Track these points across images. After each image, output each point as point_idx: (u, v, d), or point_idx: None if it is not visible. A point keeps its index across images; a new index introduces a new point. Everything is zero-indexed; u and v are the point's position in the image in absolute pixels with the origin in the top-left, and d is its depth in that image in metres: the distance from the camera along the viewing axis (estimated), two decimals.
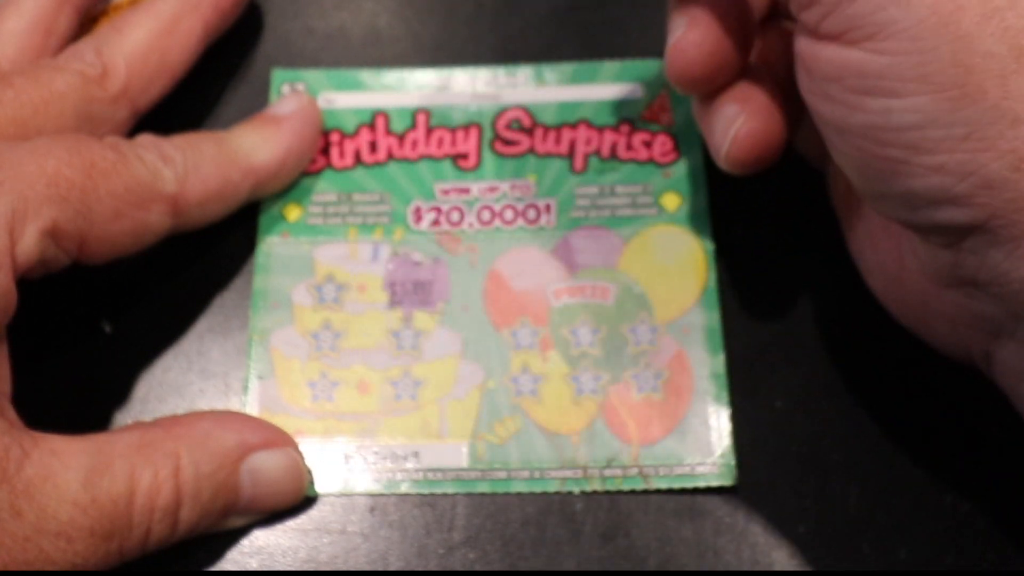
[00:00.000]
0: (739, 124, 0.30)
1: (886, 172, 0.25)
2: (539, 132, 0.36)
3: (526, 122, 0.36)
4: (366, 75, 0.38)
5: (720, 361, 0.33)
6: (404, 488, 0.31)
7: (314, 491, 0.31)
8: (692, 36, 0.30)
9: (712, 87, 0.31)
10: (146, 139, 0.32)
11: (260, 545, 0.30)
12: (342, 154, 0.36)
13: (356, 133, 0.36)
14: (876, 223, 0.29)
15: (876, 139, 0.25)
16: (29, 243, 0.28)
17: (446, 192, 0.35)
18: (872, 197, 0.26)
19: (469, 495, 0.31)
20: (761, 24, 0.32)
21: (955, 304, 0.27)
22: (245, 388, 0.33)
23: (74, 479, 0.26)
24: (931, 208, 0.24)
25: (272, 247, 0.35)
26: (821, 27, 0.25)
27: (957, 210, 0.24)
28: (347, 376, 0.33)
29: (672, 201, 0.35)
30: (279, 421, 0.32)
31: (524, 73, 0.37)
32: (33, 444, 0.26)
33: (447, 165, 0.36)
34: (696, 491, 0.31)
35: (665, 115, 0.36)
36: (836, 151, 0.27)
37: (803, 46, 0.26)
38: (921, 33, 0.23)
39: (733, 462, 0.31)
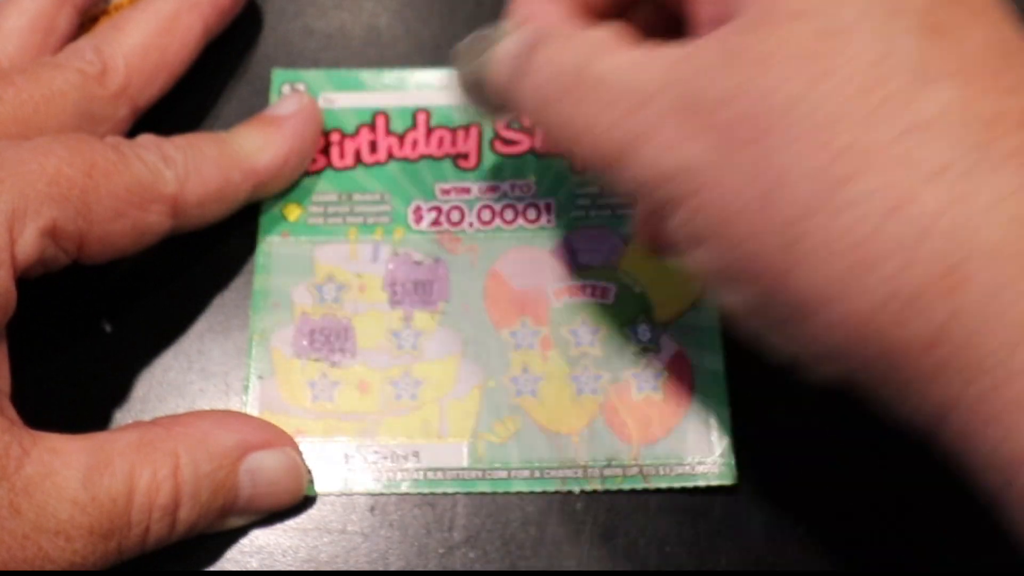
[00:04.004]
0: None
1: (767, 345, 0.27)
2: (539, 132, 0.36)
3: (526, 122, 0.36)
4: (366, 75, 0.38)
5: (720, 361, 0.33)
6: (404, 488, 0.31)
7: (314, 491, 0.31)
8: None
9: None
10: (147, 139, 0.32)
11: (260, 545, 0.30)
12: (342, 154, 0.36)
13: (356, 133, 0.37)
14: None
15: (739, 322, 0.27)
16: (29, 242, 0.28)
17: (446, 192, 0.35)
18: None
19: (469, 495, 0.31)
20: None
21: None
22: (245, 388, 0.33)
23: (73, 477, 0.26)
24: (805, 369, 0.26)
25: (272, 247, 0.35)
26: (671, 237, 0.26)
27: (821, 370, 0.25)
28: (347, 376, 0.33)
29: None
30: (279, 421, 0.32)
31: None
32: (32, 443, 0.26)
33: (447, 165, 0.36)
34: (696, 491, 0.31)
35: None
36: None
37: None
38: (721, 239, 0.25)
39: (733, 462, 0.31)
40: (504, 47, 0.30)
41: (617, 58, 0.26)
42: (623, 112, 0.26)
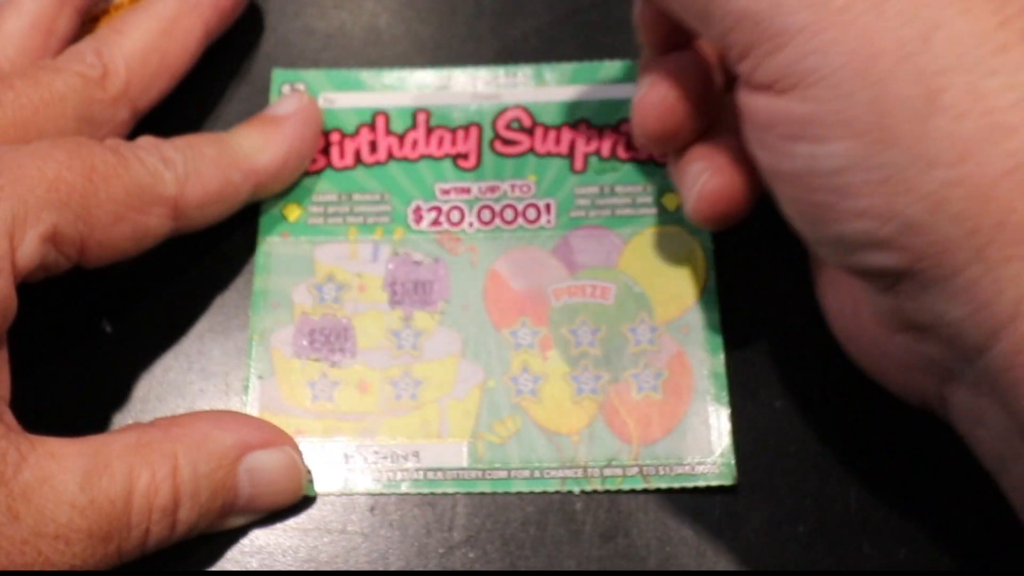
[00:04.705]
0: (703, 181, 0.30)
1: (817, 217, 0.26)
2: (539, 132, 0.36)
3: (526, 122, 0.36)
4: (366, 75, 0.38)
5: (720, 361, 0.33)
6: (404, 488, 0.31)
7: (314, 491, 0.31)
8: (652, 96, 0.31)
9: (674, 145, 0.31)
10: (146, 141, 0.32)
11: (260, 545, 0.31)
12: (342, 154, 0.36)
13: (356, 133, 0.37)
14: (836, 274, 0.30)
15: (805, 184, 0.25)
16: (29, 248, 0.28)
17: (446, 192, 0.35)
18: (812, 243, 0.27)
19: (469, 495, 0.31)
20: (730, 86, 0.32)
21: (906, 349, 0.27)
22: (245, 388, 0.33)
23: (72, 481, 0.26)
24: (861, 252, 0.25)
25: (272, 247, 0.35)
26: (754, 78, 0.26)
27: (884, 254, 0.24)
28: (347, 376, 0.33)
29: (672, 201, 0.35)
30: (279, 421, 0.32)
31: (524, 73, 0.37)
32: (30, 447, 0.26)
33: (447, 165, 0.36)
34: (696, 491, 0.31)
35: None
36: (778, 198, 0.27)
37: (741, 97, 0.27)
38: (839, 80, 0.24)
39: (733, 462, 0.31)
40: None
41: None
42: None
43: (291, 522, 0.31)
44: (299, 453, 0.31)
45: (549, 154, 0.36)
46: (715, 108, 0.31)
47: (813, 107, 0.24)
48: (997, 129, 0.22)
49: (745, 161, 0.30)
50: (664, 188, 0.35)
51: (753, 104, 0.26)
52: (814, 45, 0.24)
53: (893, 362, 0.28)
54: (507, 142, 0.36)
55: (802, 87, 0.25)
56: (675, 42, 0.31)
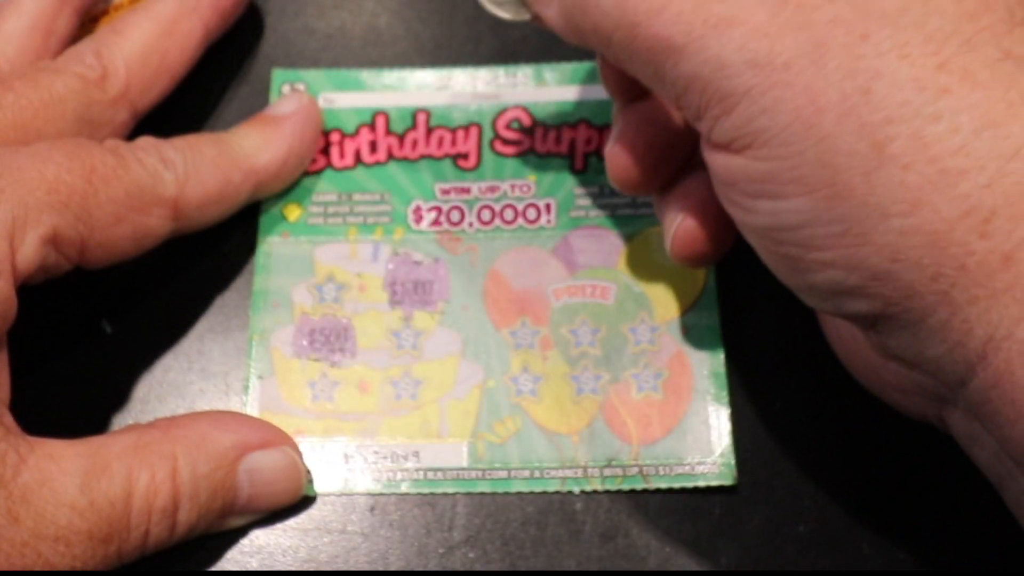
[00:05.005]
0: (678, 222, 0.31)
1: (788, 268, 0.26)
2: (539, 132, 0.36)
3: (526, 122, 0.36)
4: (366, 75, 0.38)
5: (720, 361, 0.33)
6: (404, 488, 0.31)
7: (314, 491, 0.31)
8: (617, 148, 0.31)
9: (650, 189, 0.32)
10: (146, 142, 0.32)
11: (260, 545, 0.31)
12: (342, 154, 0.36)
13: (356, 133, 0.37)
14: None
15: (773, 239, 0.26)
16: (29, 250, 0.28)
17: (446, 192, 0.35)
18: (792, 289, 0.27)
19: (469, 495, 0.31)
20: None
21: (900, 375, 0.28)
22: (245, 388, 0.33)
23: (71, 483, 0.26)
24: (836, 299, 0.25)
25: (272, 247, 0.35)
26: (712, 138, 0.26)
27: (857, 301, 0.25)
28: (347, 376, 0.33)
29: None
30: (279, 421, 0.32)
31: (524, 73, 0.37)
32: (29, 449, 0.26)
33: (447, 165, 0.36)
34: (696, 491, 0.31)
35: None
36: (755, 248, 0.28)
37: (705, 154, 0.27)
38: (788, 139, 0.24)
39: (733, 462, 0.31)
40: None
41: None
42: None
43: (291, 522, 0.31)
44: (299, 453, 0.31)
45: (549, 154, 0.36)
46: (686, 151, 0.31)
47: (768, 165, 0.25)
48: (945, 175, 0.23)
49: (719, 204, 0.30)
50: None
51: (715, 162, 0.27)
52: (761, 106, 0.24)
53: (890, 385, 0.29)
54: (507, 142, 0.36)
55: (755, 147, 0.25)
56: (638, 93, 0.31)
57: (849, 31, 0.24)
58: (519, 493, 0.31)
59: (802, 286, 0.26)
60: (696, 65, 0.25)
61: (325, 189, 0.36)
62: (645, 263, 0.34)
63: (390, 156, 0.36)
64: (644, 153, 0.31)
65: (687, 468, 0.31)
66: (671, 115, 0.31)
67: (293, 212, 0.35)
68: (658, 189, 0.32)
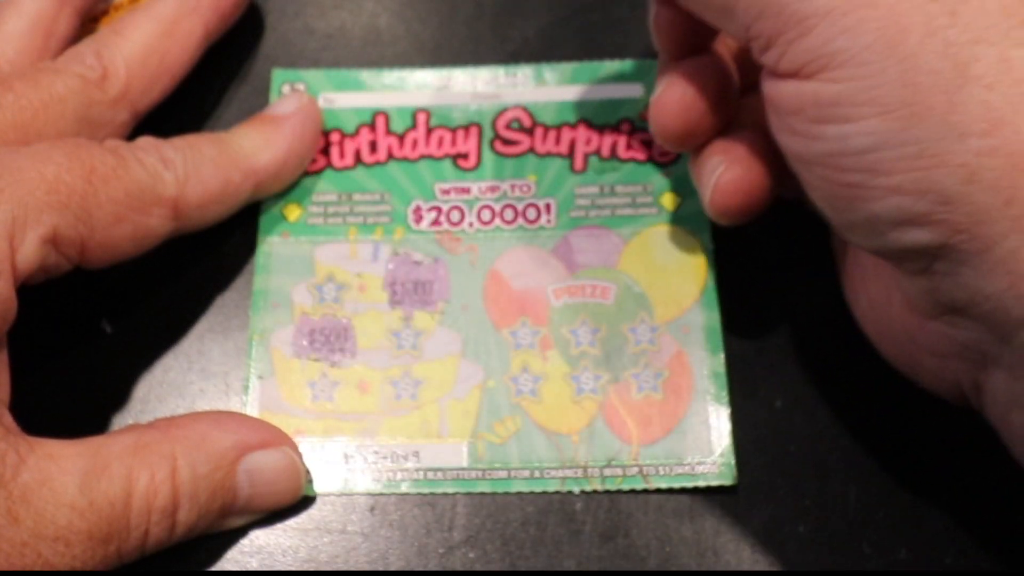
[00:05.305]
0: (720, 172, 0.31)
1: (849, 198, 0.26)
2: (539, 132, 0.36)
3: (526, 122, 0.36)
4: (366, 75, 0.38)
5: (720, 361, 0.33)
6: (404, 488, 0.31)
7: (314, 491, 0.31)
8: (669, 95, 0.31)
9: (693, 142, 0.32)
10: (146, 142, 0.32)
11: (260, 545, 0.31)
12: (342, 154, 0.36)
13: (356, 133, 0.37)
14: (867, 264, 0.30)
15: (836, 166, 0.26)
16: (29, 250, 0.28)
17: (446, 192, 0.35)
18: (843, 228, 0.27)
19: (469, 495, 0.31)
20: (748, 89, 0.33)
21: (942, 336, 0.27)
22: (245, 388, 0.33)
23: (71, 483, 0.26)
24: (896, 231, 0.25)
25: (272, 247, 0.35)
26: (780, 66, 0.26)
27: (920, 230, 0.24)
28: (347, 376, 0.33)
29: (672, 201, 0.35)
30: (279, 421, 0.32)
31: (524, 73, 0.37)
32: (29, 449, 0.26)
33: (447, 165, 0.36)
34: (696, 491, 0.31)
35: None
36: (807, 186, 0.27)
37: (767, 87, 0.27)
38: (869, 58, 0.24)
39: (733, 462, 0.31)
40: None
41: None
42: None
43: (291, 522, 0.31)
44: (298, 453, 0.31)
45: (549, 154, 0.36)
46: (733, 108, 0.32)
47: (842, 87, 0.25)
48: None
49: (762, 156, 0.30)
50: (664, 188, 0.35)
51: (780, 92, 0.26)
52: (841, 26, 0.24)
53: (927, 352, 0.28)
54: (507, 142, 0.36)
55: (830, 68, 0.25)
56: (692, 46, 0.31)
57: None
58: (519, 493, 0.31)
59: (861, 219, 0.26)
60: None
61: (325, 189, 0.36)
62: (645, 263, 0.34)
63: (390, 156, 0.36)
64: (693, 104, 0.31)
65: (687, 468, 0.31)
66: (725, 68, 0.31)
67: (293, 212, 0.35)
68: (697, 145, 0.32)
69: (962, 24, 0.23)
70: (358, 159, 0.36)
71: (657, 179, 0.35)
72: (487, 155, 0.36)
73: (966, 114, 0.23)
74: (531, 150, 0.36)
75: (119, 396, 0.33)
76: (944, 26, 0.23)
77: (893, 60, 0.24)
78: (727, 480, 0.31)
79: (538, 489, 0.31)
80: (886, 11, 0.24)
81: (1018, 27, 0.23)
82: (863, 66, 0.24)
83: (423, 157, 0.36)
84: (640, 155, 0.36)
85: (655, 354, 0.33)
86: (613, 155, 0.36)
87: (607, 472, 0.31)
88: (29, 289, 0.29)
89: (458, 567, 0.30)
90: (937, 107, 0.23)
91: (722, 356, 0.33)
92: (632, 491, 0.31)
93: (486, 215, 0.35)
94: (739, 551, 0.30)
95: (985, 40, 0.23)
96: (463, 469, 0.31)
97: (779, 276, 0.34)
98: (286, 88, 0.37)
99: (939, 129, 0.23)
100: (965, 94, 0.23)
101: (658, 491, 0.31)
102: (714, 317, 0.33)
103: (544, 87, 0.37)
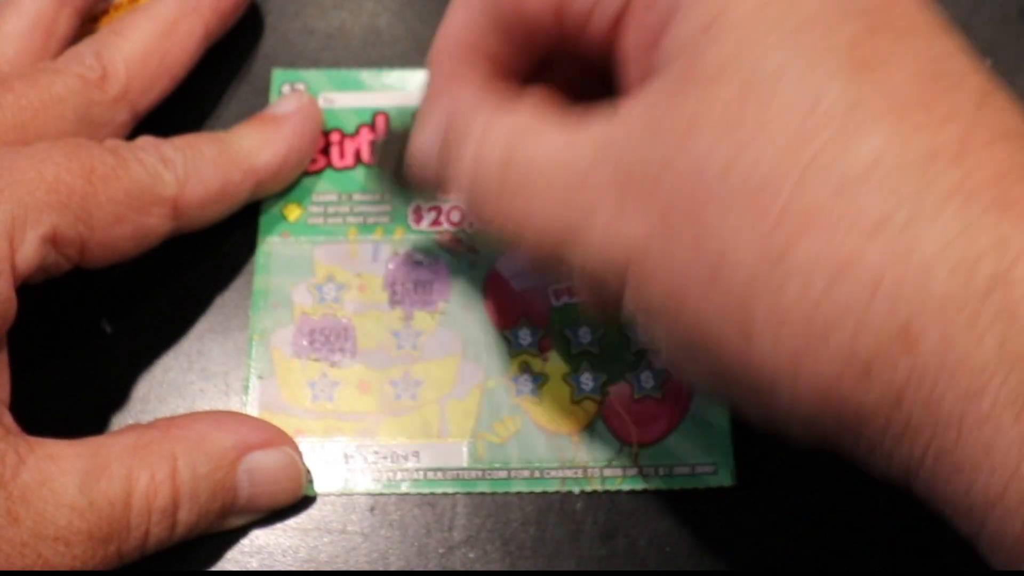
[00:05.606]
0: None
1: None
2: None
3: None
4: (366, 75, 0.38)
5: None
6: (404, 488, 0.31)
7: (314, 491, 0.31)
8: None
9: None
10: (146, 141, 0.32)
11: (260, 545, 0.31)
12: (342, 154, 0.36)
13: (356, 133, 0.37)
14: None
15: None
16: (29, 250, 0.28)
17: None
18: None
19: (469, 495, 0.31)
20: None
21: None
22: (245, 388, 0.33)
23: (71, 483, 0.26)
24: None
25: (272, 247, 0.35)
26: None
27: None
28: (347, 376, 0.33)
29: None
30: (279, 421, 0.32)
31: None
32: (29, 449, 0.26)
33: None
34: (696, 491, 0.31)
35: None
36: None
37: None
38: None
39: (732, 462, 0.31)
40: (422, 142, 0.29)
41: (543, 142, 0.25)
42: (559, 199, 0.25)
43: (291, 522, 0.31)
44: (299, 453, 0.31)
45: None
46: None
47: (672, 336, 0.24)
48: (813, 334, 0.22)
49: None
50: None
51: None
52: (642, 286, 0.24)
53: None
54: None
55: (658, 323, 0.24)
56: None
57: (690, 199, 0.23)
58: (519, 493, 0.31)
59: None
60: (579, 263, 0.25)
61: (325, 189, 0.36)
62: None
63: None
64: None
65: (687, 468, 0.31)
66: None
67: (293, 212, 0.35)
68: None
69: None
70: (358, 159, 0.36)
71: None
72: None
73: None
74: None
75: (119, 396, 0.33)
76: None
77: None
78: (726, 481, 0.31)
79: (538, 489, 0.31)
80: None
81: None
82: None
83: None
84: None
85: (655, 354, 0.33)
86: None
87: (607, 472, 0.31)
88: (29, 289, 0.29)
89: (458, 567, 0.30)
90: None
91: None
92: (632, 491, 0.31)
93: None
94: (739, 551, 0.30)
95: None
96: (463, 469, 0.31)
97: None
98: (286, 88, 0.37)
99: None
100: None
101: (658, 491, 0.31)
102: None
103: None
